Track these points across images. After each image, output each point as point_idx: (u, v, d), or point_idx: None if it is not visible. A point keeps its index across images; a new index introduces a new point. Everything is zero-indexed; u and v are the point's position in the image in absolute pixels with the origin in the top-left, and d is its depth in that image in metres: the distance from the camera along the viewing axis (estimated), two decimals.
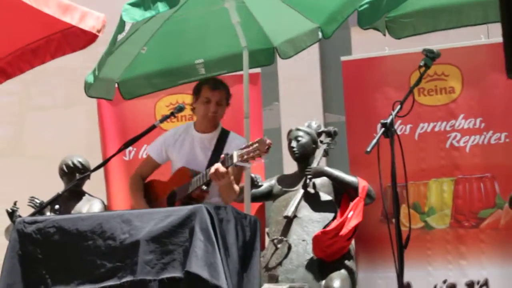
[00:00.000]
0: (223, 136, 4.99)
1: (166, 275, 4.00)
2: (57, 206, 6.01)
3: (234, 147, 4.75)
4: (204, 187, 4.79)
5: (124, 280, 4.03)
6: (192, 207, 4.05)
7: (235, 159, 4.52)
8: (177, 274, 3.98)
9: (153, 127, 4.87)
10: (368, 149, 3.86)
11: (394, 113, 3.97)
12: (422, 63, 4.16)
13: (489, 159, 5.54)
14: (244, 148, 4.54)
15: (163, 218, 4.07)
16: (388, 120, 3.89)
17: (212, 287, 3.88)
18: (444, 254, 5.51)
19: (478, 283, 5.45)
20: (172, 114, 4.83)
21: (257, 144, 4.44)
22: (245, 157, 4.49)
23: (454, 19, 5.03)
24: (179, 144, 5.09)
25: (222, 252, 4.03)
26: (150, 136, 5.20)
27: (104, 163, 5.35)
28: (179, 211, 4.06)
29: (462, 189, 5.57)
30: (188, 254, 3.98)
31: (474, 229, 5.50)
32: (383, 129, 3.90)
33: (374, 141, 3.88)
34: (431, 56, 4.20)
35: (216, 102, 4.86)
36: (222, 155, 4.67)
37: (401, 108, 4.04)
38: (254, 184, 5.80)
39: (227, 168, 4.59)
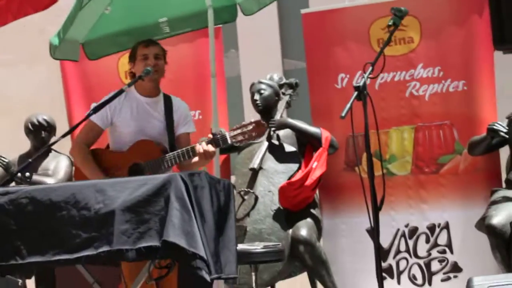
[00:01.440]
0: (167, 101, 4.84)
1: (143, 244, 3.93)
2: (27, 174, 5.93)
3: (182, 113, 4.71)
4: (185, 163, 4.68)
5: (100, 250, 3.97)
6: (167, 176, 4.00)
7: (229, 141, 4.44)
8: (154, 243, 3.93)
9: (121, 91, 4.60)
10: (343, 114, 3.83)
11: (366, 75, 3.94)
12: (390, 22, 4.11)
13: (448, 107, 5.58)
14: (237, 128, 4.45)
15: (138, 187, 4.00)
16: (361, 84, 3.87)
17: (189, 255, 3.87)
18: (406, 199, 5.59)
19: (439, 226, 5.54)
20: (140, 77, 4.51)
21: (253, 126, 4.37)
22: (240, 138, 4.44)
23: None
24: (125, 109, 4.87)
25: (199, 220, 3.98)
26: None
27: (73, 129, 5.03)
28: (154, 180, 3.97)
29: (422, 137, 5.60)
30: (164, 223, 3.94)
31: (434, 174, 5.56)
32: (356, 92, 3.88)
33: (348, 105, 3.86)
34: (399, 15, 4.16)
35: (154, 55, 4.68)
36: (210, 135, 4.57)
37: (372, 69, 3.99)
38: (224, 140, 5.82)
39: (215, 147, 4.50)
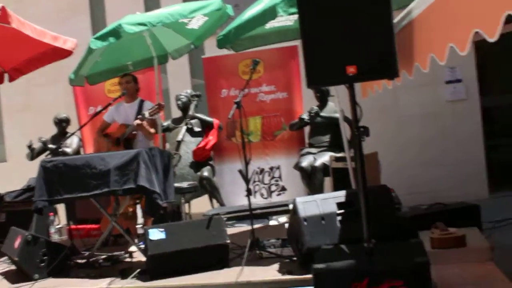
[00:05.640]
0: (141, 104, 5.97)
1: (126, 186, 4.73)
2: (53, 147, 6.93)
3: (147, 108, 5.80)
4: (134, 132, 5.83)
5: (103, 190, 4.74)
6: (138, 150, 4.83)
7: (146, 115, 5.61)
8: (132, 185, 4.71)
9: (109, 104, 5.97)
10: (229, 116, 4.85)
11: (240, 95, 5.00)
12: (252, 67, 5.17)
13: (278, 106, 7.09)
14: (151, 108, 5.65)
15: (122, 156, 4.80)
16: (238, 99, 4.91)
17: (151, 191, 4.70)
18: (258, 154, 6.91)
19: (275, 167, 7.09)
20: (123, 94, 6.00)
21: (157, 106, 5.65)
22: (151, 113, 5.64)
23: (264, 41, 6.27)
24: (119, 112, 6.08)
25: (154, 173, 4.78)
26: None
27: (83, 125, 6.42)
28: (131, 153, 4.80)
29: (266, 122, 7.11)
30: (137, 175, 4.68)
31: (272, 141, 7.08)
32: (236, 105, 4.87)
33: (232, 111, 4.82)
34: (256, 62, 5.26)
35: (126, 82, 5.95)
36: (140, 116, 5.70)
37: (243, 91, 5.13)
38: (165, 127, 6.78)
39: (142, 121, 5.62)
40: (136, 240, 5.50)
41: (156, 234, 4.56)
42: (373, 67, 3.54)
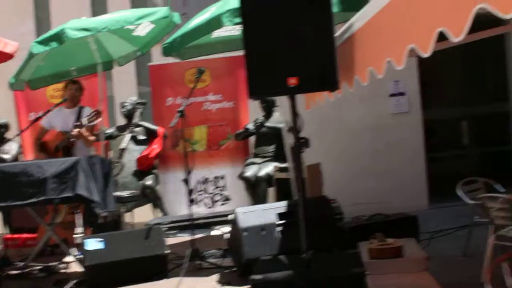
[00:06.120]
0: (80, 110, 5.93)
1: (63, 195, 4.65)
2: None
3: (86, 114, 5.76)
4: (72, 139, 5.78)
5: (40, 198, 4.65)
6: (77, 158, 4.80)
7: (84, 122, 5.57)
8: (70, 194, 4.66)
9: (49, 110, 5.89)
10: (172, 125, 5.12)
11: (184, 104, 5.20)
12: (196, 76, 5.39)
13: (224, 115, 7.10)
14: (89, 115, 5.59)
15: (60, 164, 4.73)
16: (182, 108, 5.08)
17: (89, 200, 4.67)
18: (204, 163, 6.95)
19: (220, 177, 7.14)
20: (64, 99, 5.98)
21: (95, 112, 5.59)
22: (89, 120, 5.60)
23: (210, 50, 6.40)
24: (58, 118, 6.01)
25: (94, 181, 4.74)
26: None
27: (24, 130, 6.38)
28: (70, 160, 4.76)
29: (213, 131, 7.12)
30: (75, 183, 4.65)
31: (217, 150, 7.11)
32: (179, 113, 5.05)
33: (175, 120, 5.02)
34: (201, 71, 5.46)
35: (75, 89, 5.98)
36: (77, 122, 5.63)
37: (187, 99, 5.37)
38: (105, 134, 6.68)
39: (80, 128, 5.56)
40: (74, 250, 5.40)
41: (94, 244, 4.54)
42: (314, 79, 3.62)
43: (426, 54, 2.61)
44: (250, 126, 6.77)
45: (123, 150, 6.83)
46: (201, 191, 7.10)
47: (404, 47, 2.78)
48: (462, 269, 4.82)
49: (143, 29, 6.06)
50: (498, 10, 2.01)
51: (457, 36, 2.28)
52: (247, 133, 6.86)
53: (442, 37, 2.47)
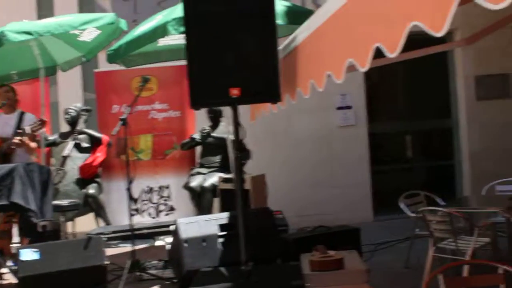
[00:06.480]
0: (21, 116, 5.80)
1: None
2: None
3: (29, 121, 5.62)
4: (12, 146, 5.65)
5: None
6: (13, 165, 4.83)
7: (27, 130, 5.45)
8: (5, 202, 4.74)
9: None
10: (113, 133, 5.12)
11: (126, 112, 5.18)
12: (142, 84, 5.39)
13: (171, 125, 7.01)
14: (33, 124, 5.45)
15: None
16: (124, 116, 5.08)
17: (26, 209, 4.72)
18: (147, 172, 6.96)
19: (164, 186, 7.00)
20: (3, 104, 5.81)
21: (40, 121, 5.48)
22: (33, 129, 5.48)
23: (157, 58, 6.52)
24: None
25: (31, 189, 4.81)
26: None
27: None
28: (5, 167, 4.81)
29: (157, 140, 7.02)
30: (11, 191, 4.72)
31: (163, 160, 7.01)
32: (121, 122, 5.03)
33: (117, 128, 5.03)
34: (146, 79, 5.48)
35: (4, 92, 5.84)
36: (20, 130, 5.44)
37: (130, 108, 5.29)
38: (47, 140, 6.68)
39: (22, 137, 5.44)
40: (9, 261, 5.32)
41: (29, 254, 4.42)
42: (256, 90, 3.64)
43: (363, 68, 2.66)
44: (196, 136, 6.76)
45: (65, 157, 6.72)
46: (145, 200, 7.03)
47: (343, 61, 2.83)
48: (403, 281, 4.92)
49: (89, 35, 6.02)
50: (430, 29, 2.05)
51: (392, 52, 2.32)
52: (193, 143, 6.85)
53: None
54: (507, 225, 4.96)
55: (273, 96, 3.62)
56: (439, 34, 2.03)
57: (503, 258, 4.54)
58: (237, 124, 3.68)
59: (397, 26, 2.23)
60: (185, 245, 4.32)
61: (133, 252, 4.75)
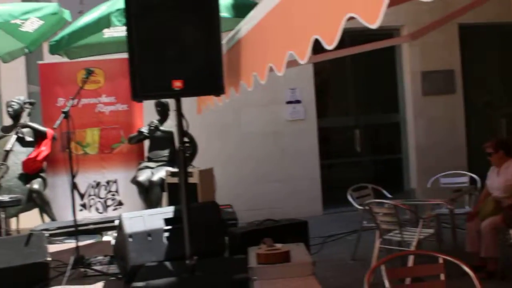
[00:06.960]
0: None
1: None
2: None
3: None
4: None
5: None
6: None
7: None
8: None
9: None
10: (55, 126, 5.15)
11: (69, 105, 5.15)
12: (85, 76, 5.43)
13: (118, 118, 6.99)
14: None
15: None
16: (66, 109, 5.10)
17: None
18: (94, 167, 6.91)
19: (112, 181, 6.97)
20: None
21: None
22: None
23: (102, 50, 6.55)
24: None
25: None
26: None
27: None
28: None
29: (104, 134, 6.97)
30: None
31: (110, 154, 6.97)
32: (63, 114, 5.07)
33: (58, 121, 5.05)
34: (90, 71, 5.51)
35: None
36: None
37: (74, 100, 5.29)
38: None
39: None
40: None
41: None
42: (200, 83, 3.62)
43: (303, 61, 2.67)
44: (144, 129, 6.71)
45: (8, 152, 6.56)
46: (93, 195, 6.97)
47: (284, 54, 2.84)
48: (350, 272, 5.00)
49: (31, 25, 5.87)
50: (365, 20, 2.07)
51: (330, 44, 2.34)
52: (140, 137, 6.79)
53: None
54: (450, 217, 5.09)
55: (217, 89, 3.62)
56: (374, 26, 2.05)
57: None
58: (180, 117, 3.65)
59: (334, 18, 2.25)
60: (130, 240, 4.29)
61: (77, 248, 4.66)
